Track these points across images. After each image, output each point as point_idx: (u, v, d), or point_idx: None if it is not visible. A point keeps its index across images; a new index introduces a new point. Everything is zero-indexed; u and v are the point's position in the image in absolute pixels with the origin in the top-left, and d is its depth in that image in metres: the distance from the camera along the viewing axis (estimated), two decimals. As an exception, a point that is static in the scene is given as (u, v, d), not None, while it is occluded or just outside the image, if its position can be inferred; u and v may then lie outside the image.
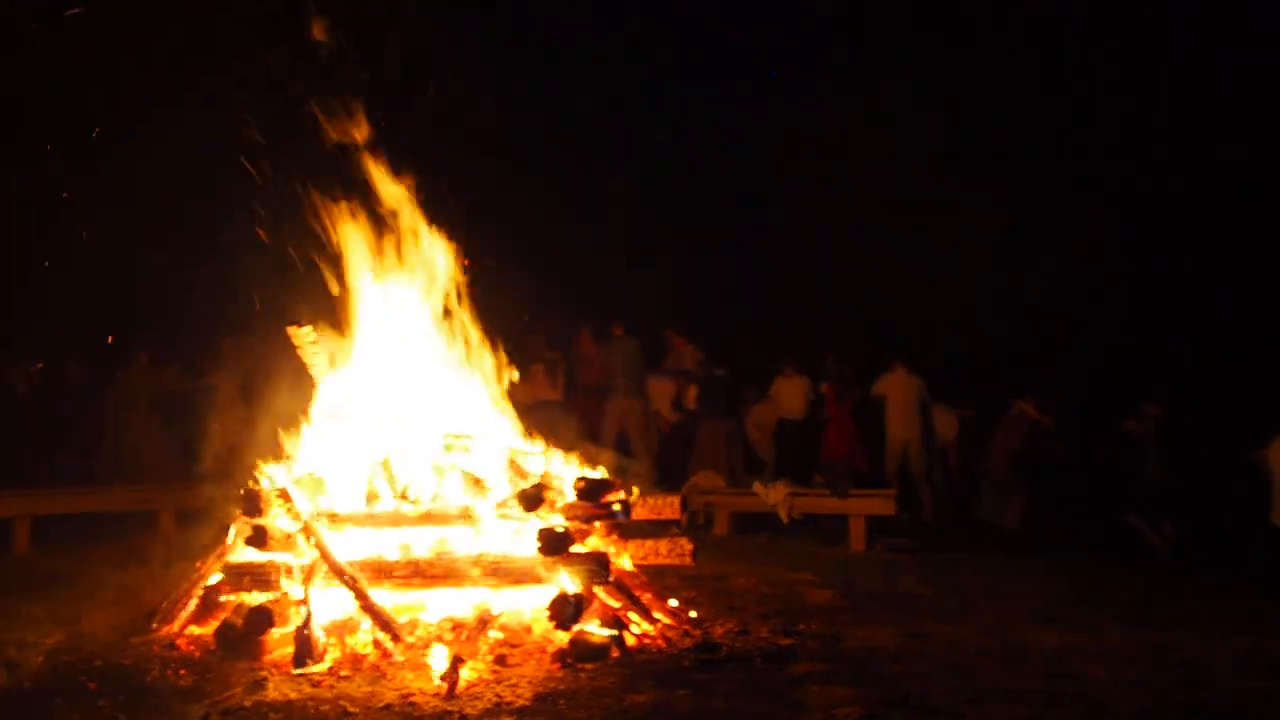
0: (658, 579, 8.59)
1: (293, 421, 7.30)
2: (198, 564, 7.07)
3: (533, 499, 6.35)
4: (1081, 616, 7.84)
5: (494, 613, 6.44)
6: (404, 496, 6.74)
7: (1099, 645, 6.86)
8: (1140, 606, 8.46)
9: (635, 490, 7.34)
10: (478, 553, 6.55)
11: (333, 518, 6.66)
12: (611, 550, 7.33)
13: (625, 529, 7.66)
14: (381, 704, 5.46)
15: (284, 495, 6.58)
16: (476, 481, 6.75)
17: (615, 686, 5.73)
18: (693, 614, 7.35)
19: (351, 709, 5.40)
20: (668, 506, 7.70)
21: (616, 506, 7.21)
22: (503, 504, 6.60)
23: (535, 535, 6.30)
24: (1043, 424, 14.15)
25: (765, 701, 5.57)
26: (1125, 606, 8.38)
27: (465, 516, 6.60)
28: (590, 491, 6.64)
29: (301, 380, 7.52)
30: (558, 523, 6.58)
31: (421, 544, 6.74)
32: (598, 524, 7.08)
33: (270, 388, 7.95)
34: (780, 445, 14.94)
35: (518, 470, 6.95)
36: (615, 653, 6.22)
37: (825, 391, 14.46)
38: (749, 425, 14.96)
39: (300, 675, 5.91)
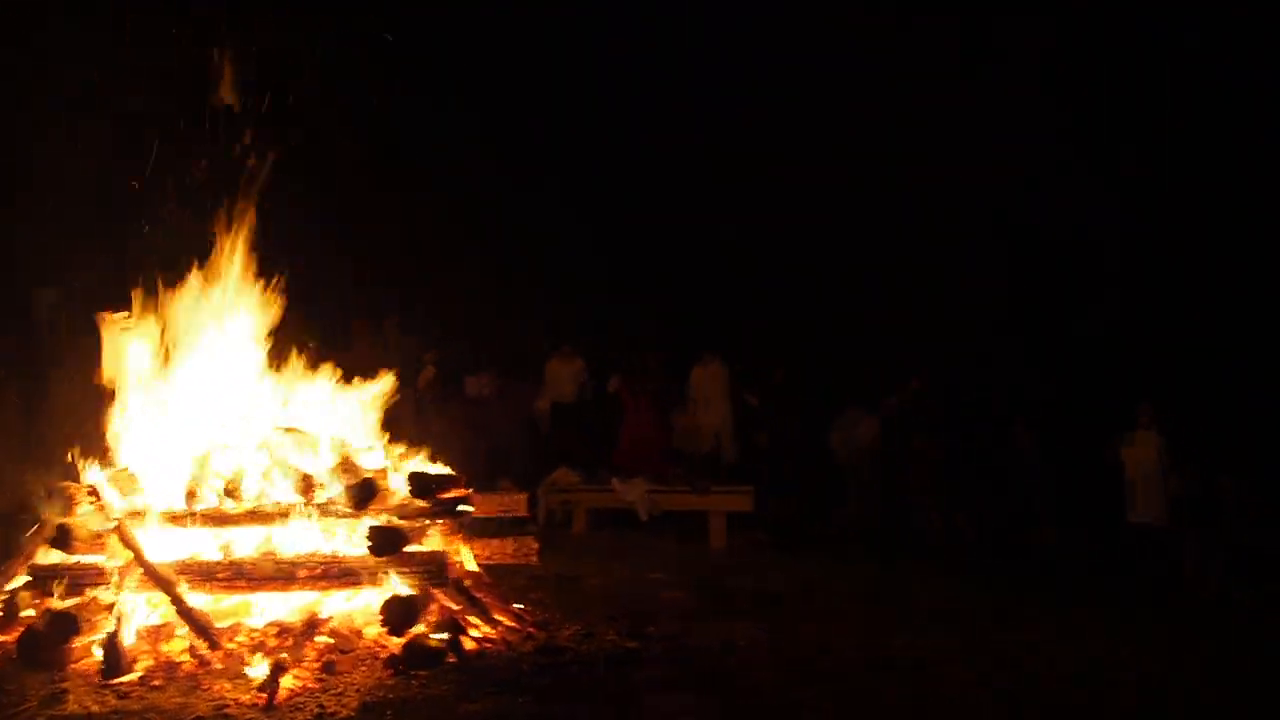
0: (507, 579, 8.27)
1: (98, 417, 6.79)
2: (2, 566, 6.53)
3: (362, 495, 5.97)
4: (942, 618, 7.76)
5: (322, 617, 6.07)
6: (227, 494, 6.30)
7: (962, 648, 6.75)
8: (996, 608, 8.43)
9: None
10: (306, 553, 6.17)
11: (147, 516, 6.19)
12: (453, 550, 7.01)
13: (470, 528, 7.35)
14: (192, 716, 5.07)
15: (93, 492, 6.10)
16: (305, 478, 6.35)
17: (449, 694, 5.41)
18: (538, 617, 7.06)
19: (158, 723, 5.00)
20: (514, 503, 7.39)
21: (463, 505, 6.92)
22: (333, 502, 6.21)
23: (365, 534, 5.93)
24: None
25: (606, 707, 5.32)
26: (983, 608, 8.33)
27: (292, 514, 6.19)
28: (423, 487, 6.28)
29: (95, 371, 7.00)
30: (392, 521, 6.22)
31: (246, 544, 6.32)
32: (438, 522, 6.74)
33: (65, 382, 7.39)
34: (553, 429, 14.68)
35: (350, 467, 6.56)
36: (452, 658, 5.90)
37: (617, 384, 14.19)
38: None
39: (107, 686, 5.46)
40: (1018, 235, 17.31)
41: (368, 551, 5.93)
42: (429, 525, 6.59)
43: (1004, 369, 15.90)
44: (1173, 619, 8.52)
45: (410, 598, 5.94)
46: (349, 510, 6.07)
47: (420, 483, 6.27)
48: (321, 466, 6.58)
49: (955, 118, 17.48)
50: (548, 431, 14.67)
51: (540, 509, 12.39)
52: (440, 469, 7.22)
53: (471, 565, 7.03)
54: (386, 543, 5.91)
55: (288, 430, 6.80)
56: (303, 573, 6.03)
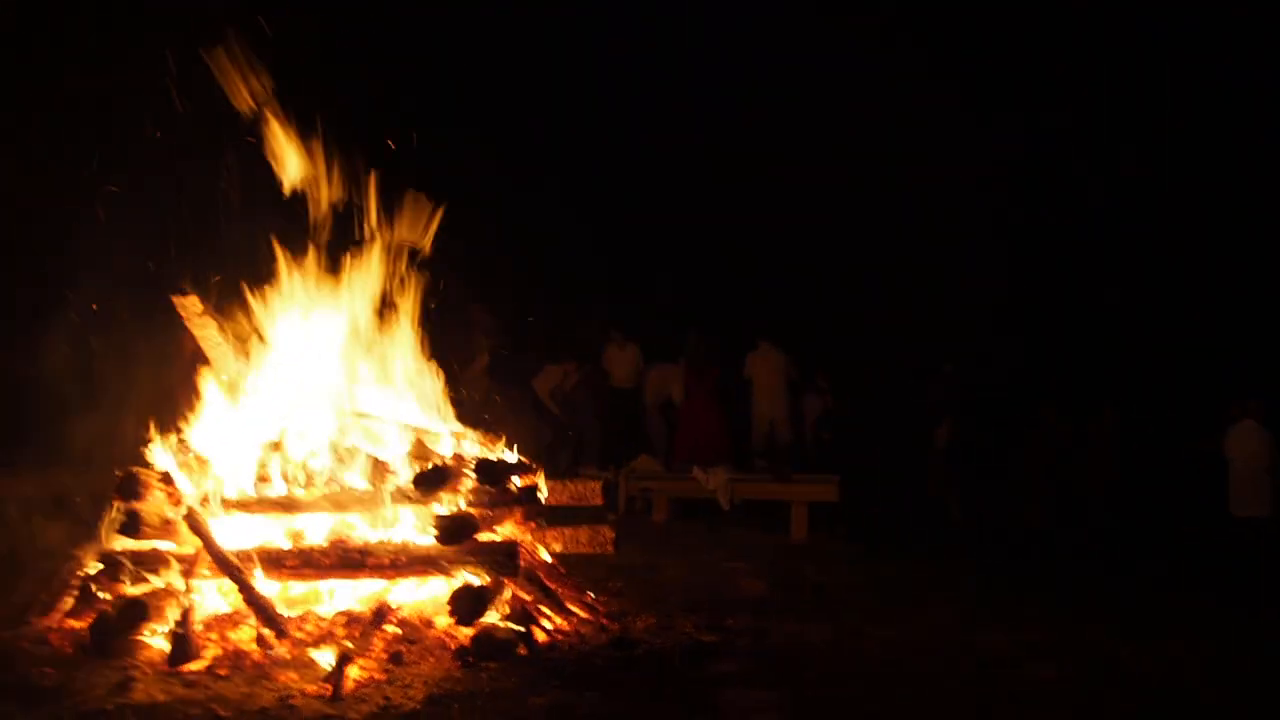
0: (584, 569, 8.14)
1: (172, 401, 6.74)
2: (76, 552, 6.50)
3: (433, 482, 5.83)
4: (1022, 615, 7.45)
5: (392, 606, 5.93)
6: (297, 480, 6.21)
7: (1042, 646, 6.45)
8: (1086, 605, 8.10)
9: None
10: (376, 541, 6.06)
11: (218, 502, 6.12)
12: (526, 539, 6.87)
13: (547, 516, 7.21)
14: (257, 707, 4.96)
15: (165, 479, 6.04)
16: (377, 464, 6.24)
17: (517, 687, 5.25)
18: (613, 608, 6.89)
19: (222, 712, 4.89)
20: (590, 493, 7.22)
21: (540, 492, 6.78)
22: (404, 488, 6.08)
23: (436, 523, 5.79)
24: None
25: (677, 704, 5.11)
26: (1071, 606, 8.01)
27: (363, 501, 6.08)
28: (492, 474, 6.11)
29: (172, 356, 6.95)
30: (462, 509, 6.08)
31: (316, 531, 6.22)
32: (512, 511, 6.60)
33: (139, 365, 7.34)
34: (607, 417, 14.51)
35: (423, 452, 6.44)
36: (523, 650, 5.74)
37: (685, 370, 13.98)
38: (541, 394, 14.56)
39: (174, 674, 5.39)
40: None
41: (438, 540, 5.78)
42: (501, 513, 6.43)
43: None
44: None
45: (480, 587, 5.79)
46: (419, 497, 5.92)
47: (490, 470, 6.11)
48: (394, 452, 6.47)
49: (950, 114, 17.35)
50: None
51: (620, 497, 12.25)
52: (513, 456, 7.09)
53: (545, 555, 6.88)
54: (455, 531, 5.77)
55: (361, 415, 6.69)
56: (371, 561, 5.91)
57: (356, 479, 6.25)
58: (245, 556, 5.92)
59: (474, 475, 6.09)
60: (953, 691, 5.45)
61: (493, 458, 6.60)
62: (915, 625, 6.97)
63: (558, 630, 6.14)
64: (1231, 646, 6.75)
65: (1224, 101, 17.09)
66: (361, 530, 6.27)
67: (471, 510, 6.09)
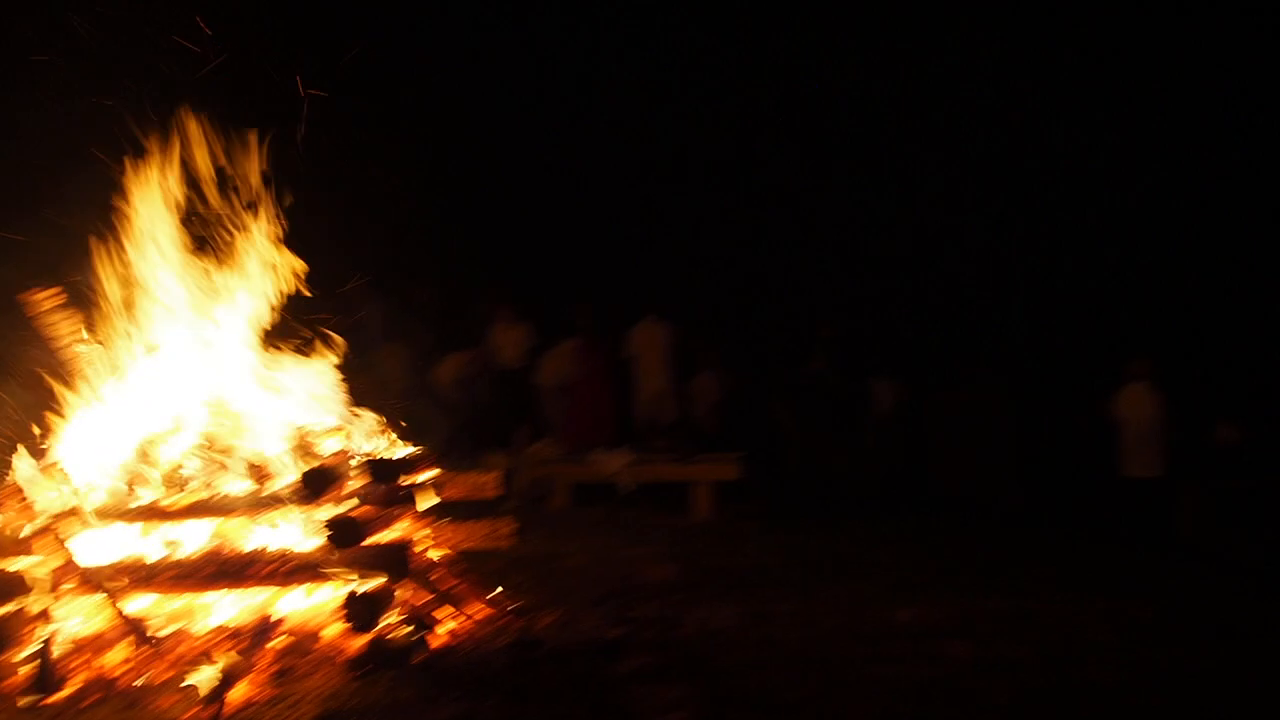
0: (484, 563, 7.80)
1: (27, 404, 6.25)
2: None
3: (318, 483, 5.44)
4: (939, 586, 7.34)
5: (278, 617, 5.55)
6: (170, 486, 5.77)
7: (960, 618, 6.32)
8: (995, 571, 8.04)
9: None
10: (258, 548, 5.66)
11: (83, 514, 5.66)
12: (423, 537, 6.53)
13: (443, 511, 6.86)
14: (130, 737, 4.58)
15: (18, 491, 5.56)
16: (256, 466, 5.83)
17: (415, 698, 4.92)
18: (515, 604, 6.57)
19: (90, 747, 4.51)
20: (487, 484, 6.88)
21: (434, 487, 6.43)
22: (288, 491, 5.68)
23: (323, 526, 5.41)
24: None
25: (583, 707, 4.83)
26: (983, 572, 7.94)
27: (243, 506, 5.67)
28: (384, 471, 5.75)
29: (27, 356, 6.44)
30: (353, 509, 5.70)
31: (193, 541, 5.80)
32: (407, 508, 6.24)
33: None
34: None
35: (309, 451, 6.05)
36: (421, 656, 5.41)
37: (575, 346, 13.73)
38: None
39: (36, 707, 4.96)
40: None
41: (326, 544, 5.40)
42: (395, 512, 6.08)
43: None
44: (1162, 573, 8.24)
45: (373, 592, 5.43)
46: (304, 499, 5.53)
47: (381, 467, 5.74)
48: (277, 451, 6.06)
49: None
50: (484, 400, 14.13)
51: (519, 485, 11.92)
52: (408, 450, 6.73)
53: (441, 552, 6.54)
54: (346, 534, 5.40)
55: (239, 412, 6.27)
56: (253, 570, 5.52)
57: (236, 482, 5.84)
58: (114, 571, 5.49)
59: (364, 473, 5.70)
60: (871, 676, 5.26)
61: (384, 454, 6.23)
62: (826, 604, 6.80)
63: (457, 632, 5.83)
64: (1138, 601, 6.75)
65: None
66: (242, 537, 5.85)
67: (362, 510, 5.72)
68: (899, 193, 17.04)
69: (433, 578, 6.11)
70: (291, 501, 5.54)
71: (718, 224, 17.06)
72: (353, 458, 5.96)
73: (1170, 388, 12.53)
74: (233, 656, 5.22)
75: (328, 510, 5.66)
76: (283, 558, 5.57)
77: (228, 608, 5.71)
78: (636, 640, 5.85)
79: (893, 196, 17.00)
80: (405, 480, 6.06)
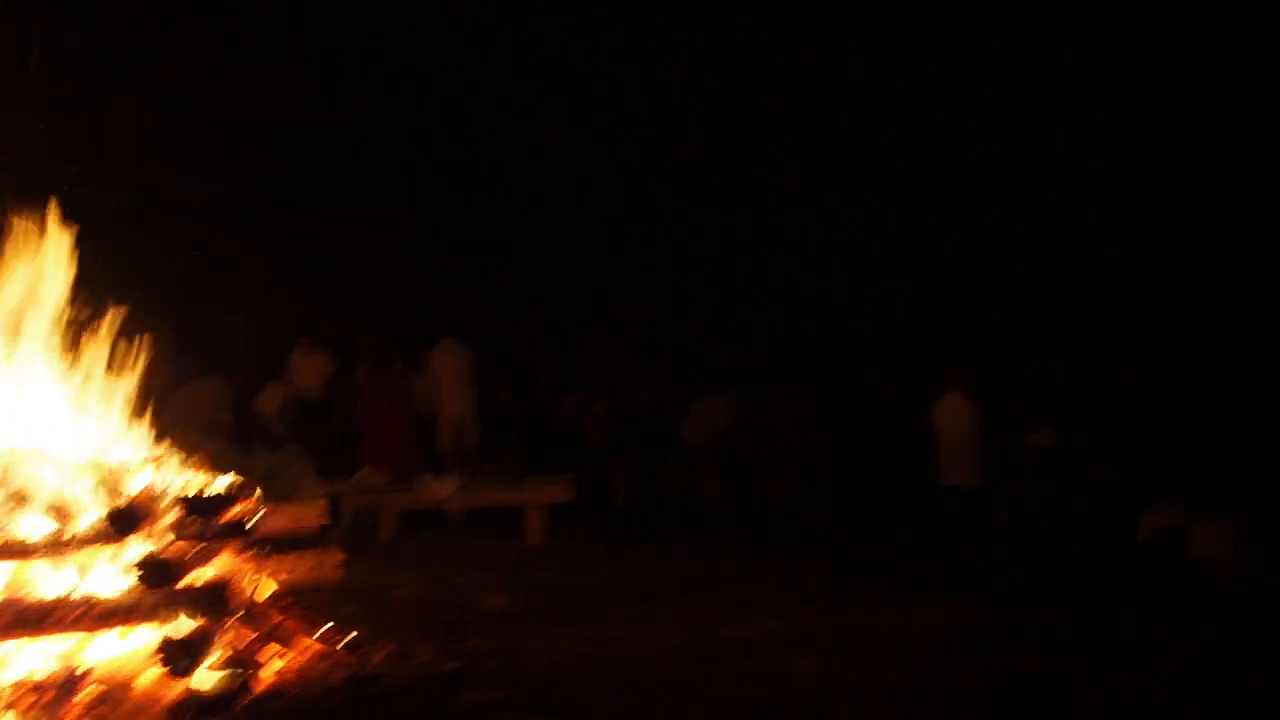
0: (311, 597, 7.44)
1: None
2: None
3: (126, 521, 5.04)
4: (777, 602, 7.32)
5: (87, 665, 5.13)
6: (-42, 528, 5.28)
7: (800, 633, 6.30)
8: (829, 586, 8.10)
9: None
10: (62, 592, 5.22)
11: None
12: (245, 573, 6.16)
13: (266, 544, 6.50)
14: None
15: None
16: (56, 505, 5.38)
17: (241, 746, 4.62)
18: (347, 638, 6.25)
19: None
20: (307, 514, 6.55)
21: (247, 521, 6.06)
22: (92, 530, 5.25)
23: (134, 566, 5.02)
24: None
25: (427, 746, 4.61)
26: (819, 587, 7.98)
27: (42, 549, 5.22)
28: (203, 505, 5.38)
29: None
30: (166, 547, 5.32)
31: (-11, 587, 5.31)
32: (226, 543, 5.87)
33: None
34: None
35: (114, 487, 5.62)
36: (246, 698, 5.07)
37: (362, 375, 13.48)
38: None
39: None
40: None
41: (137, 585, 5.01)
42: (213, 547, 5.70)
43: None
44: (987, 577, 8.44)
45: (190, 634, 5.07)
46: (110, 538, 5.12)
47: (195, 502, 5.35)
48: (78, 489, 5.61)
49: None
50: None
51: (345, 514, 11.51)
52: (225, 481, 6.35)
53: (268, 587, 6.19)
54: (158, 574, 5.02)
55: (34, 448, 5.79)
56: (55, 617, 5.08)
57: (33, 523, 5.38)
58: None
59: (180, 508, 5.31)
60: (718, 696, 5.18)
61: (198, 488, 5.86)
62: (666, 625, 6.72)
63: (286, 672, 5.49)
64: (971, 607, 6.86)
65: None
66: (44, 581, 5.39)
67: (176, 547, 5.34)
68: (707, 207, 17.21)
69: (257, 615, 5.75)
70: (97, 541, 5.13)
71: (523, 240, 16.93)
72: (164, 492, 5.56)
73: (984, 396, 12.89)
74: (37, 711, 4.82)
75: (138, 549, 5.28)
76: (89, 602, 5.15)
77: (30, 659, 5.26)
78: (478, 671, 5.62)
79: (702, 210, 17.15)
80: (223, 512, 5.68)
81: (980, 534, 11.10)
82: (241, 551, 6.21)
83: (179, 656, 4.99)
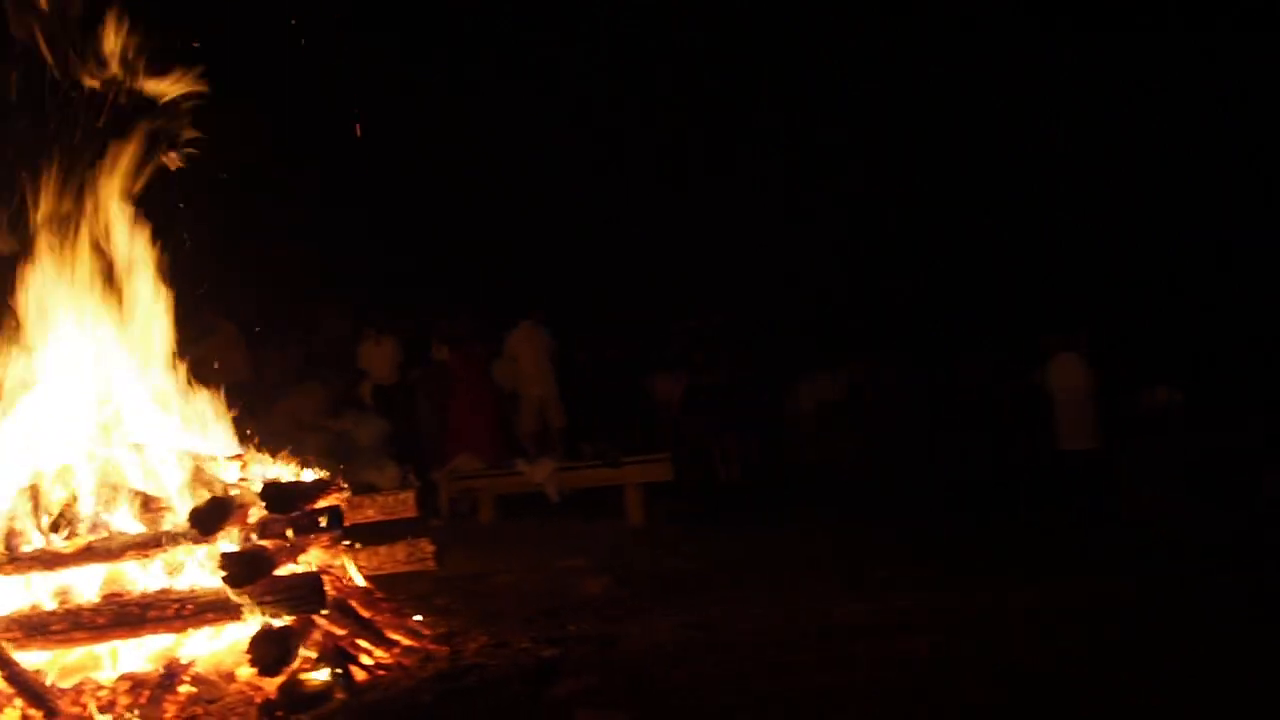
0: (407, 587, 7.44)
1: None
2: None
3: (210, 518, 5.02)
4: (884, 581, 7.09)
5: (184, 662, 5.15)
6: (56, 529, 5.33)
7: (912, 615, 6.07)
8: (947, 562, 7.84)
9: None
10: (157, 590, 5.24)
11: (-32, 565, 5.19)
12: (336, 565, 6.16)
13: (357, 537, 6.49)
14: (20, 809, 4.16)
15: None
16: (150, 501, 5.41)
17: (335, 742, 4.57)
18: (440, 629, 6.21)
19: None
20: (402, 504, 6.51)
21: (337, 515, 6.02)
22: (179, 528, 5.25)
23: (219, 562, 4.99)
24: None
25: (519, 739, 4.51)
26: (934, 564, 7.73)
27: (137, 546, 5.24)
28: (281, 499, 5.32)
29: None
30: (252, 544, 5.30)
31: (88, 587, 5.35)
32: (314, 537, 5.85)
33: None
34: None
35: (205, 481, 5.63)
36: (340, 694, 5.03)
37: (444, 358, 13.41)
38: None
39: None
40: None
41: (223, 582, 4.99)
42: (304, 541, 5.68)
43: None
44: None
45: (282, 630, 5.04)
46: (195, 537, 5.11)
47: (279, 495, 5.31)
48: (171, 484, 5.64)
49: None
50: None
51: (442, 500, 11.55)
52: (311, 474, 6.35)
53: (359, 580, 6.17)
54: (246, 570, 4.99)
55: (128, 445, 5.83)
56: (154, 614, 5.09)
57: (128, 521, 5.41)
58: (3, 625, 5.04)
59: (266, 504, 5.28)
60: (823, 684, 4.97)
61: (284, 479, 5.84)
62: (771, 606, 6.53)
63: (379, 665, 5.45)
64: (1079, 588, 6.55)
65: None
66: (140, 579, 5.43)
67: (264, 543, 5.33)
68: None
69: (348, 610, 5.72)
70: (184, 540, 5.12)
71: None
72: (249, 489, 5.53)
73: (1098, 356, 12.48)
74: (137, 708, 4.85)
75: (229, 544, 5.27)
76: (183, 600, 5.15)
77: (130, 656, 5.29)
78: (573, 660, 5.51)
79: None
80: (311, 506, 5.65)
81: (1099, 502, 10.71)
82: (332, 546, 6.22)
83: (269, 654, 4.96)
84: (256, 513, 5.38)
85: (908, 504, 11.21)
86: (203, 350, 6.92)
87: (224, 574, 4.94)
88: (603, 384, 14.30)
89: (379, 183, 16.25)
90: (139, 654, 5.29)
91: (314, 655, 5.18)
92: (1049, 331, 12.94)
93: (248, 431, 6.75)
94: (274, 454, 6.48)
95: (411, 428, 13.36)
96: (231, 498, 5.23)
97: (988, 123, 16.95)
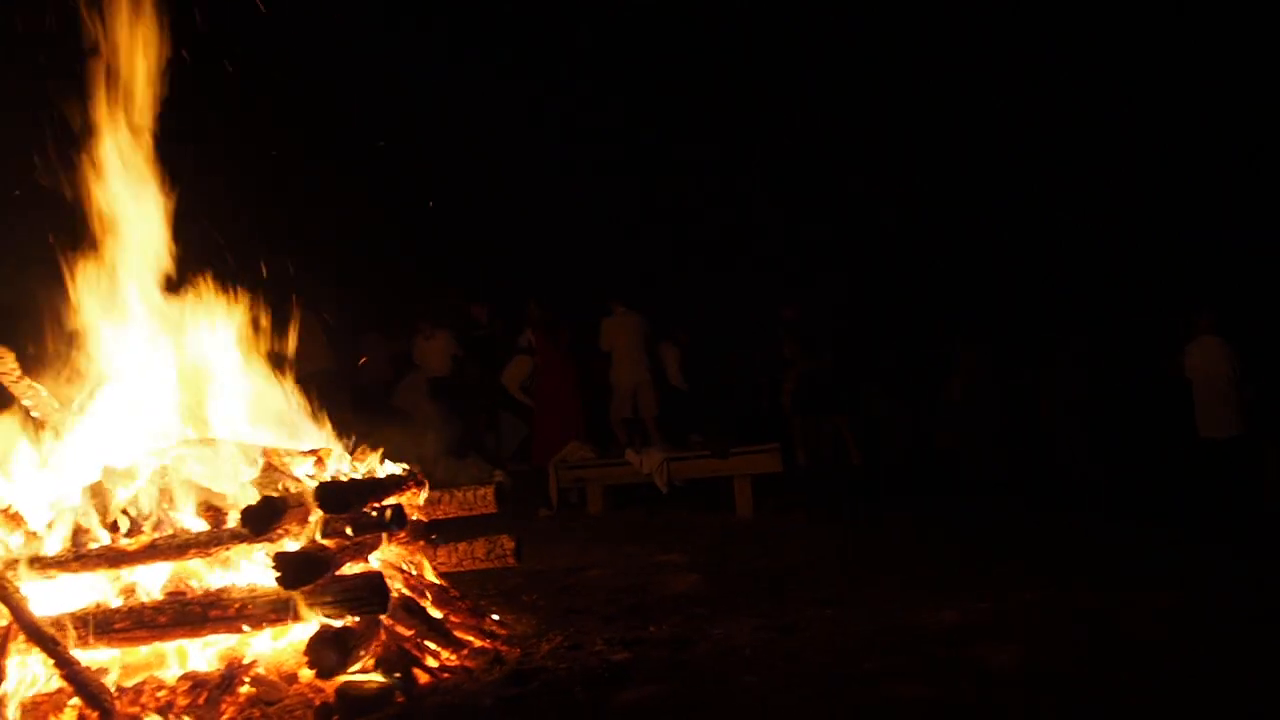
0: (497, 582, 7.34)
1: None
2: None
3: (262, 517, 4.89)
4: (987, 583, 6.67)
5: (245, 662, 5.06)
6: (119, 527, 5.29)
7: (1008, 618, 5.67)
8: (1056, 563, 7.37)
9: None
10: (219, 589, 5.16)
11: (31, 561, 5.19)
12: (413, 562, 6.03)
13: (435, 533, 6.36)
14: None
15: (-42, 539, 5.12)
16: (214, 499, 5.33)
17: (386, 749, 4.41)
18: (518, 629, 6.04)
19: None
20: (480, 500, 6.34)
21: (410, 510, 5.91)
22: (237, 527, 5.15)
23: (272, 563, 4.87)
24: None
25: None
26: (1041, 564, 7.28)
27: (200, 544, 5.16)
28: (335, 498, 5.16)
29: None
30: (311, 543, 5.18)
31: (150, 585, 5.31)
32: (388, 534, 5.72)
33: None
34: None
35: (273, 478, 5.54)
36: (400, 698, 4.89)
37: (531, 340, 13.17)
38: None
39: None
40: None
41: (276, 583, 4.87)
42: (372, 539, 5.55)
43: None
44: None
45: (341, 631, 4.92)
46: (251, 537, 4.99)
47: (330, 494, 5.15)
48: (239, 481, 5.56)
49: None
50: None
51: (552, 491, 11.42)
52: (387, 469, 6.23)
53: (432, 577, 6.02)
54: (301, 570, 4.86)
55: (201, 441, 5.78)
56: (215, 613, 5.02)
57: (192, 519, 5.34)
58: (63, 623, 5.02)
59: (316, 501, 5.13)
60: (895, 695, 4.63)
61: (356, 476, 5.72)
62: (860, 608, 6.19)
63: (443, 667, 5.29)
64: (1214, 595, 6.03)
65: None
66: (210, 577, 5.36)
67: (326, 542, 5.20)
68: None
69: (420, 608, 5.58)
70: (243, 539, 5.03)
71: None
72: (309, 487, 5.41)
73: (1240, 338, 11.73)
74: (196, 709, 4.78)
75: (292, 543, 5.17)
76: (249, 598, 5.07)
77: (192, 655, 5.23)
78: (645, 664, 5.27)
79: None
80: (376, 503, 5.51)
81: (1240, 492, 10.04)
82: (410, 543, 6.09)
83: (327, 656, 4.84)
84: (317, 512, 5.25)
85: (1037, 498, 10.73)
86: (286, 341, 6.81)
87: (278, 574, 4.83)
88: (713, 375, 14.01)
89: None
90: (206, 653, 5.22)
91: (375, 656, 5.05)
92: (1194, 310, 12.20)
93: (342, 426, 6.67)
94: (358, 449, 6.38)
95: (470, 420, 13.29)
96: (285, 497, 5.10)
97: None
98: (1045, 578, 6.70)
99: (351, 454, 6.27)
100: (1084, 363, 13.01)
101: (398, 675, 5.00)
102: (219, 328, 6.22)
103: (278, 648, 5.26)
